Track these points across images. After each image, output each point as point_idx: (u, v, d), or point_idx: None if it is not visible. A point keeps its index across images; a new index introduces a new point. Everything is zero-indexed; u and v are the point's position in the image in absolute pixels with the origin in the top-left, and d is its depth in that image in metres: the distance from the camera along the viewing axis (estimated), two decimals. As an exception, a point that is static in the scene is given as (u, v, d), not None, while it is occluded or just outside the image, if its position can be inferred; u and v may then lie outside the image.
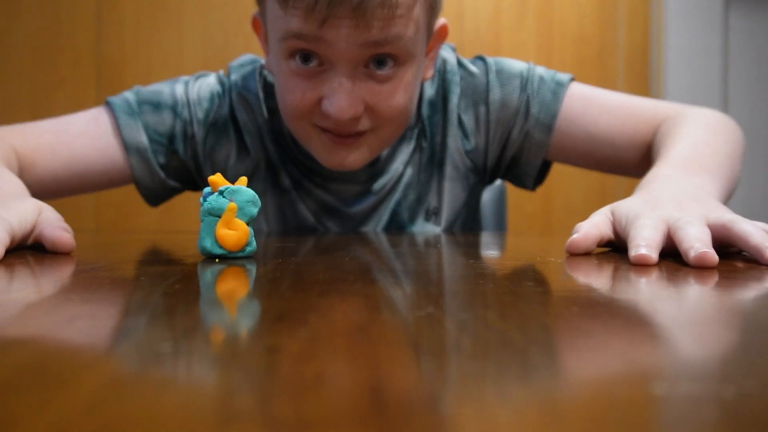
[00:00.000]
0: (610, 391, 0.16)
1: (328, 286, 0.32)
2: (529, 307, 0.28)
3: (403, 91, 0.69)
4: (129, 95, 0.79)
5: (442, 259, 0.47)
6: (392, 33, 0.64)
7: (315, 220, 0.81)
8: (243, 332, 0.23)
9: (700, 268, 0.39)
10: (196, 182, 0.83)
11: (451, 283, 0.36)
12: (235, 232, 0.44)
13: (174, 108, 0.79)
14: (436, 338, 0.22)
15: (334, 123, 0.68)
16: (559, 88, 0.79)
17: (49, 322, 0.24)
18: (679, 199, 0.49)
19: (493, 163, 0.83)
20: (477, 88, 0.81)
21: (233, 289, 0.34)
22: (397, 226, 0.82)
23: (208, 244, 0.44)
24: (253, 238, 0.45)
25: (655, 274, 0.37)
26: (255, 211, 0.45)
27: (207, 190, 0.46)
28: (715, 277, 0.36)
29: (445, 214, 0.83)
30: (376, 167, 0.80)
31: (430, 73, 0.77)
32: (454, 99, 0.80)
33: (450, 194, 0.82)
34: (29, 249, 0.49)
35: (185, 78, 0.82)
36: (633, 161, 0.77)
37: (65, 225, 0.50)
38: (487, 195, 1.19)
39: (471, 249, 0.56)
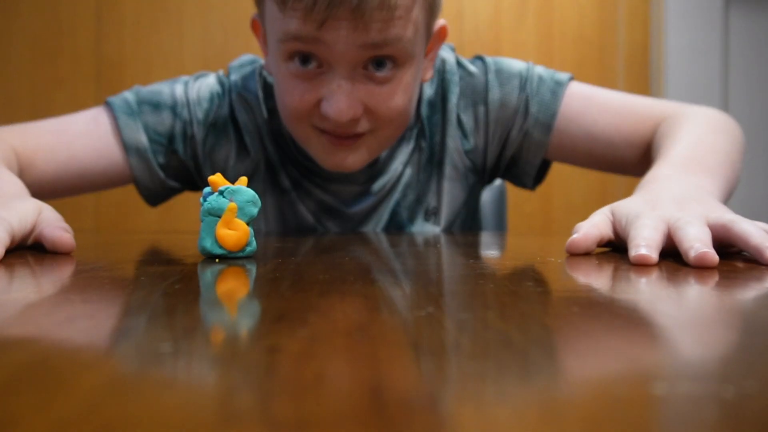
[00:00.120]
0: (610, 391, 0.16)
1: (328, 286, 0.32)
2: (529, 307, 0.28)
3: (402, 93, 0.69)
4: (128, 95, 0.79)
5: (441, 259, 0.47)
6: (391, 34, 0.64)
7: (314, 220, 0.81)
8: (243, 332, 0.23)
9: (700, 268, 0.39)
10: (196, 182, 0.83)
11: (450, 283, 0.36)
12: (235, 232, 0.44)
13: (174, 108, 0.79)
14: (436, 338, 0.22)
15: (333, 125, 0.68)
16: (559, 87, 0.79)
17: (49, 322, 0.24)
18: (679, 199, 0.49)
19: (493, 162, 0.83)
20: (476, 88, 0.81)
21: (233, 289, 0.34)
22: (396, 226, 0.82)
23: (208, 244, 0.44)
24: (253, 238, 0.45)
25: (655, 274, 0.37)
26: (255, 211, 0.45)
27: (207, 190, 0.46)
28: (715, 277, 0.36)
29: (445, 214, 0.83)
30: (375, 168, 0.80)
31: (429, 74, 0.77)
32: (453, 99, 0.80)
33: (449, 194, 0.82)
34: (29, 249, 0.49)
35: (185, 78, 0.82)
36: (632, 160, 0.77)
37: (65, 225, 0.50)
38: (487, 195, 1.19)
39: (471, 249, 0.56)
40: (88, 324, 0.24)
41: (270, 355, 0.19)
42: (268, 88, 0.80)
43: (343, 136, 0.69)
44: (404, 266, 0.43)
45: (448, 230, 0.83)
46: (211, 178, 0.45)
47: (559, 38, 2.09)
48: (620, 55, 2.10)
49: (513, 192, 1.85)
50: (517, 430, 0.13)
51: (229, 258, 0.44)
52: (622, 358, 0.19)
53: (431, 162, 0.82)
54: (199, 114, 0.79)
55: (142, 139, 0.77)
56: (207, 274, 0.38)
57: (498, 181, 1.21)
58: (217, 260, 0.44)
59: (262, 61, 0.83)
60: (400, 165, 0.81)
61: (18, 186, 0.59)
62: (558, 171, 1.96)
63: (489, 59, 0.82)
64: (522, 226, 2.05)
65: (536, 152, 0.80)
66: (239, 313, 0.27)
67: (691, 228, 0.42)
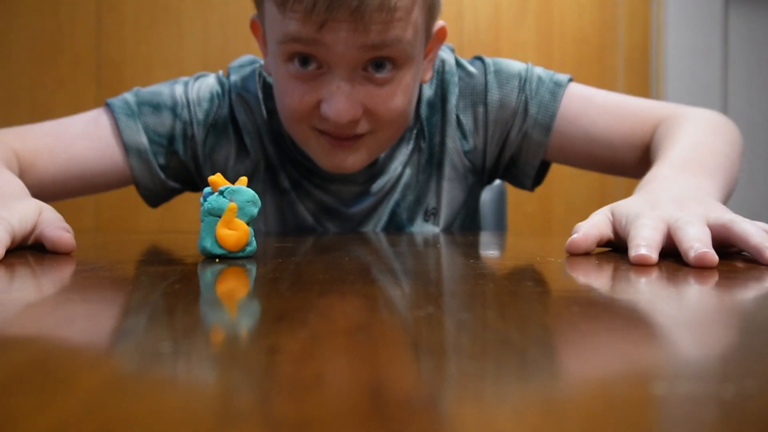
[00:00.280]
0: (610, 391, 0.16)
1: (328, 286, 0.32)
2: (529, 307, 0.28)
3: (401, 94, 0.69)
4: (128, 96, 0.79)
5: (441, 259, 0.47)
6: (391, 36, 0.64)
7: (314, 220, 0.81)
8: (243, 332, 0.23)
9: (700, 268, 0.39)
10: (196, 183, 0.83)
11: (450, 283, 0.36)
12: (235, 232, 0.44)
13: (174, 109, 0.79)
14: (436, 338, 0.22)
15: (333, 126, 0.68)
16: (558, 88, 0.79)
17: (49, 322, 0.24)
18: (679, 199, 0.49)
19: (492, 163, 0.83)
20: (475, 89, 0.81)
21: (233, 289, 0.34)
22: (396, 227, 0.82)
23: (208, 244, 0.44)
24: (253, 238, 0.45)
25: (655, 274, 0.37)
26: (255, 211, 0.45)
27: (207, 190, 0.46)
28: (715, 277, 0.36)
29: (444, 214, 0.83)
30: (374, 168, 0.80)
31: (428, 75, 0.77)
32: (453, 99, 0.80)
33: (448, 194, 0.82)
34: (29, 249, 0.49)
35: (184, 79, 0.82)
36: (631, 162, 0.77)
37: (66, 225, 0.50)
38: (487, 195, 1.19)
39: (471, 249, 0.56)
40: (88, 324, 0.24)
41: (270, 355, 0.19)
42: (267, 89, 0.80)
43: (343, 137, 0.69)
44: (404, 266, 0.43)
45: (447, 230, 0.83)
46: (211, 178, 0.45)
47: (559, 38, 2.09)
48: (620, 55, 2.10)
49: (513, 192, 1.85)
50: (516, 430, 0.13)
51: (229, 258, 0.44)
52: (622, 358, 0.19)
53: (430, 162, 0.82)
54: (200, 114, 0.79)
55: (143, 140, 0.77)
56: (207, 274, 0.38)
57: (498, 182, 1.21)
58: (217, 260, 0.44)
59: (261, 61, 0.83)
60: (400, 165, 0.81)
61: (18, 186, 0.59)
62: (558, 171, 1.96)
63: (488, 60, 0.82)
64: (522, 226, 2.06)
65: (535, 153, 0.80)
66: (239, 313, 0.27)
67: (690, 228, 0.42)
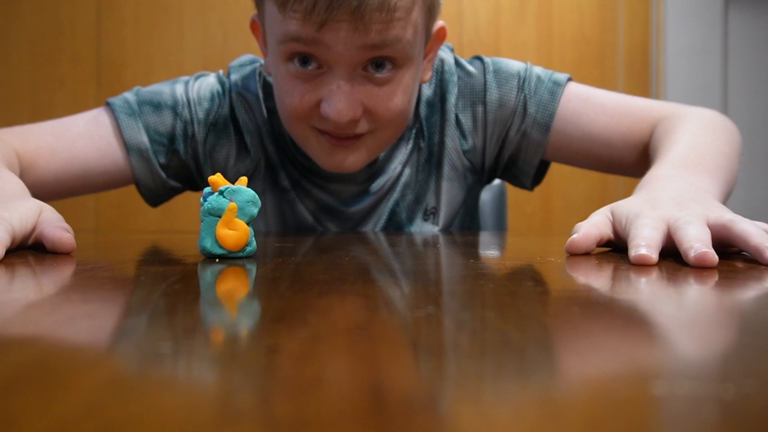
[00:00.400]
0: (610, 391, 0.16)
1: (328, 286, 0.32)
2: (529, 307, 0.28)
3: (401, 94, 0.69)
4: (129, 96, 0.79)
5: (441, 259, 0.47)
6: (390, 36, 0.64)
7: (314, 220, 0.81)
8: (243, 332, 0.23)
9: (700, 268, 0.39)
10: (197, 182, 0.83)
11: (450, 283, 0.36)
12: (235, 232, 0.44)
13: (174, 108, 0.79)
14: (436, 338, 0.22)
15: (333, 125, 0.68)
16: (557, 87, 0.79)
17: (49, 322, 0.24)
18: (679, 199, 0.49)
19: (491, 162, 0.83)
20: (474, 88, 0.81)
21: (233, 289, 0.34)
22: (395, 226, 0.82)
23: (208, 244, 0.44)
24: (253, 238, 0.45)
25: (655, 274, 0.37)
26: (255, 211, 0.45)
27: (207, 190, 0.46)
28: (715, 277, 0.36)
29: (443, 213, 0.83)
30: (374, 167, 0.80)
31: (428, 75, 0.77)
32: (452, 99, 0.81)
33: (448, 194, 0.82)
34: (30, 249, 0.49)
35: (185, 78, 0.82)
36: (630, 161, 0.77)
37: (66, 225, 0.50)
38: (487, 195, 1.19)
39: (470, 249, 0.56)
40: (88, 324, 0.24)
41: (270, 355, 0.19)
42: (267, 88, 0.80)
43: (343, 136, 0.69)
44: (404, 266, 0.43)
45: (446, 230, 0.83)
46: (211, 178, 0.45)
47: (559, 38, 2.09)
48: (620, 55, 2.10)
49: (513, 192, 1.85)
50: (516, 430, 0.13)
51: (229, 258, 0.44)
52: (622, 358, 0.19)
53: (430, 162, 0.82)
54: (200, 114, 0.79)
55: (143, 139, 0.77)
56: (207, 274, 0.38)
57: (497, 181, 1.21)
58: (217, 260, 0.44)
59: (262, 60, 0.83)
60: (399, 165, 0.81)
61: (19, 186, 0.59)
62: (558, 171, 1.96)
63: (487, 59, 0.82)
64: (522, 226, 2.05)
65: (534, 152, 0.80)
66: (239, 313, 0.27)
67: (691, 228, 0.42)
